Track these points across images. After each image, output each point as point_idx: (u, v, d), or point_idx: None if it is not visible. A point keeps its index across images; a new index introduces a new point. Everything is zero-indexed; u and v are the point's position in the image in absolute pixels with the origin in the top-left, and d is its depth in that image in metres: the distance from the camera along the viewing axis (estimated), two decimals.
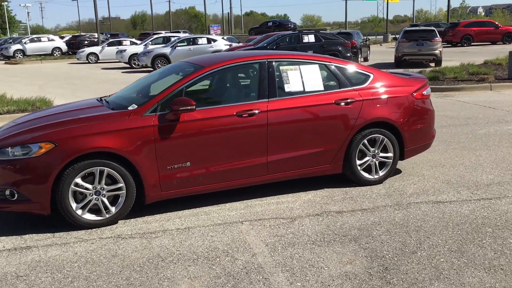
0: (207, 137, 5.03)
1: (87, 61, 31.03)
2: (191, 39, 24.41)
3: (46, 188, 4.52)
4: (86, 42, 39.05)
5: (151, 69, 23.56)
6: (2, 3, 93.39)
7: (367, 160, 5.74)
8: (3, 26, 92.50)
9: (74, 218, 4.65)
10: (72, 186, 4.58)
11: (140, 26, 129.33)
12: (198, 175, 5.05)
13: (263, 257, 4.02)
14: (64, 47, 38.23)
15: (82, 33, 49.71)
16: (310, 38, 19.29)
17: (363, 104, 5.62)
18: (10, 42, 38.83)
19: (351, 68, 5.84)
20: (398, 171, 6.33)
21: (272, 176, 5.40)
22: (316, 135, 5.46)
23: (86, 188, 4.66)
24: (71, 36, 44.20)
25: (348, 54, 19.51)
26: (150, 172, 4.84)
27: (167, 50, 23.57)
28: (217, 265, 3.90)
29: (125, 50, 26.17)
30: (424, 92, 6.08)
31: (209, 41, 24.23)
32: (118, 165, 4.71)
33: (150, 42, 26.72)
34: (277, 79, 5.41)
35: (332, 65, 5.72)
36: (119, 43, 31.10)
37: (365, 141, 5.68)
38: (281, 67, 5.49)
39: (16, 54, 36.19)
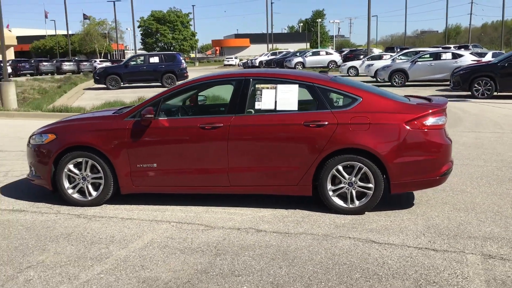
0: (173, 144, 5.66)
1: (347, 74, 32.61)
2: (435, 54, 23.35)
3: (48, 168, 5.92)
4: (361, 56, 40.66)
5: (389, 83, 23.57)
6: (317, 20, 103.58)
7: (342, 187, 5.40)
8: (316, 41, 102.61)
9: (65, 196, 5.93)
10: (65, 170, 5.87)
11: (453, 39, 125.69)
12: (163, 176, 5.73)
13: (122, 251, 4.54)
14: (339, 61, 40.68)
15: (359, 48, 51.55)
16: None
17: (338, 128, 5.32)
18: (296, 55, 43.36)
19: (336, 90, 5.56)
20: (401, 206, 5.66)
21: (234, 188, 5.65)
22: (280, 154, 5.45)
23: (76, 174, 5.89)
24: (348, 50, 46.69)
25: None
26: (123, 167, 5.76)
27: (406, 65, 23.18)
28: (83, 249, 4.61)
29: (372, 65, 26.69)
30: (427, 122, 5.28)
31: (454, 56, 22.73)
32: (98, 158, 5.79)
33: (397, 57, 26.55)
34: (249, 97, 5.61)
35: (314, 85, 5.57)
36: (380, 57, 31.62)
37: (340, 167, 5.35)
38: (257, 85, 5.65)
39: (297, 66, 40.29)
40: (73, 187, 5.92)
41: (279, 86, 5.62)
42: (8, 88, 17.29)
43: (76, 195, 5.94)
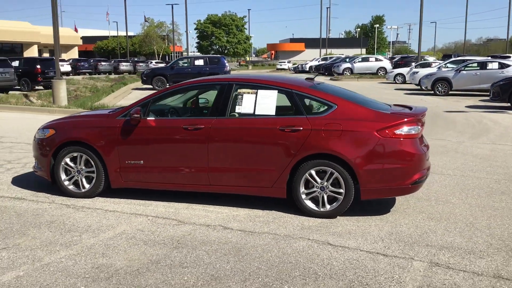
0: (158, 143, 5.98)
1: (394, 82, 32.14)
2: (482, 64, 22.70)
3: (47, 161, 6.39)
4: (412, 63, 39.88)
5: (432, 92, 23.14)
6: (375, 25, 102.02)
7: (314, 191, 5.54)
8: (373, 46, 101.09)
9: (62, 187, 6.38)
10: (62, 163, 6.32)
11: None
12: (150, 173, 6.06)
13: (92, 239, 4.89)
14: (389, 67, 40.07)
15: (410, 55, 50.49)
16: None
17: (311, 134, 5.47)
18: (345, 61, 43.09)
19: (312, 96, 5.71)
20: (376, 213, 5.74)
21: (214, 187, 5.90)
22: (256, 157, 5.65)
23: (72, 167, 6.32)
24: (399, 57, 45.88)
25: None
26: (113, 163, 6.14)
27: (450, 74, 22.69)
28: (58, 235, 5.00)
29: (417, 72, 26.25)
30: (399, 131, 5.35)
31: (502, 66, 22.03)
32: (91, 153, 6.20)
33: (443, 65, 25.97)
34: (231, 101, 5.84)
35: (292, 92, 5.74)
36: (429, 65, 30.98)
37: (312, 171, 5.50)
38: (239, 90, 5.88)
39: (345, 72, 40.07)
40: (69, 179, 6.36)
41: (260, 92, 5.83)
42: (59, 85, 18.26)
43: (71, 187, 6.37)
